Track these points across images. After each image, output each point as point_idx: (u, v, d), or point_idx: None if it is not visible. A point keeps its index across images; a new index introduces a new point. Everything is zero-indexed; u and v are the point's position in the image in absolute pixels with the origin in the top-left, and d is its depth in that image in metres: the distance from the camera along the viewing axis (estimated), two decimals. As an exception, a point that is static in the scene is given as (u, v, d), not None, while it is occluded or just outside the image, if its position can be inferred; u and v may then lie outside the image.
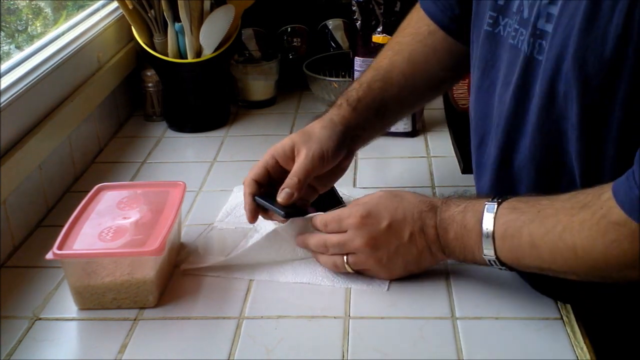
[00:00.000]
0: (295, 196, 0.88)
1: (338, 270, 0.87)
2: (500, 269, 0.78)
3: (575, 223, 0.69)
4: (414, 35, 1.00)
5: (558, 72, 0.72)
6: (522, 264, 0.76)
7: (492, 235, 0.76)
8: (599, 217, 0.67)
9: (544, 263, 0.74)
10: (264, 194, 0.91)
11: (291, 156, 0.91)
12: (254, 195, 0.91)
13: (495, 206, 0.76)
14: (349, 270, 0.86)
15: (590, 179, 0.72)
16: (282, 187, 0.89)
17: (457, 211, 0.80)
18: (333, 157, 0.92)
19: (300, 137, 0.92)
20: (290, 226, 0.89)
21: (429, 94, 1.07)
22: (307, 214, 0.89)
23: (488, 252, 0.77)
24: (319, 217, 0.87)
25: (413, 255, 0.83)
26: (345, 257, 0.85)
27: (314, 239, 0.87)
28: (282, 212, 0.88)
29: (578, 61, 0.69)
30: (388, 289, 0.85)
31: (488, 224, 0.76)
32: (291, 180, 0.89)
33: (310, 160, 0.90)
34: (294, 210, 0.89)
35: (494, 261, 0.77)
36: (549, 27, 0.73)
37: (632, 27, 0.65)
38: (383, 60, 1.00)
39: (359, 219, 0.82)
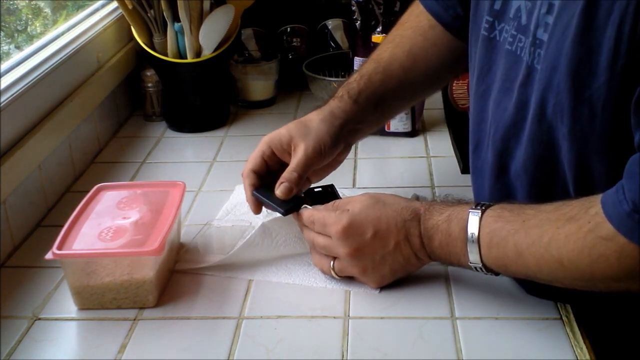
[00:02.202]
0: (294, 191, 0.89)
1: (326, 273, 0.87)
2: (486, 274, 0.78)
3: (561, 235, 0.69)
4: (414, 28, 1.00)
5: (551, 82, 0.72)
6: (508, 271, 0.77)
7: (478, 244, 0.76)
8: (586, 231, 0.67)
9: (530, 272, 0.74)
10: (261, 185, 0.91)
11: (287, 149, 0.91)
12: (253, 188, 0.91)
13: (479, 214, 0.76)
14: (335, 276, 0.86)
15: (583, 190, 0.72)
16: (280, 180, 0.89)
17: (440, 220, 0.80)
18: (330, 152, 0.92)
19: (297, 130, 0.91)
20: (283, 220, 0.89)
21: (428, 88, 1.07)
22: (303, 204, 0.89)
23: (474, 260, 0.77)
24: (307, 213, 0.87)
25: (400, 262, 0.83)
26: (331, 262, 0.85)
27: (306, 233, 0.88)
28: (282, 210, 0.88)
29: (571, 72, 0.69)
30: (380, 292, 0.85)
31: (473, 233, 0.76)
32: (290, 175, 0.89)
33: (309, 156, 0.90)
34: (292, 204, 0.89)
35: (480, 268, 0.77)
36: (546, 37, 0.73)
37: (621, 41, 0.65)
38: (384, 52, 1.00)
39: (341, 229, 0.82)
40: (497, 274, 0.79)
